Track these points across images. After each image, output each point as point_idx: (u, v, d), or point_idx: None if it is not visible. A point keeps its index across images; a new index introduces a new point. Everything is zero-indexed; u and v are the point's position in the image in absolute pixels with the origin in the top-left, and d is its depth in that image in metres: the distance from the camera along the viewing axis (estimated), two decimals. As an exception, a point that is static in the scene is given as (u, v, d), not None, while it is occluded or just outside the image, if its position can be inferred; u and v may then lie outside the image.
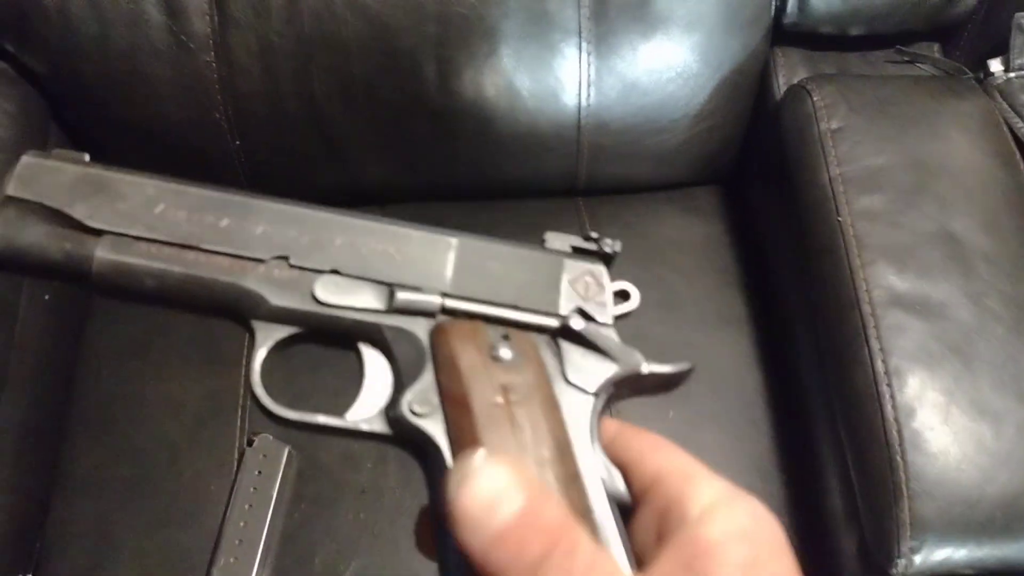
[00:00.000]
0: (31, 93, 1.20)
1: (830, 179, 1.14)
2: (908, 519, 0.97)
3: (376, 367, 0.51)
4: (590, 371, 0.50)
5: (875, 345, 1.03)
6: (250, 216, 0.50)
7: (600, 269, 0.54)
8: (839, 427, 1.07)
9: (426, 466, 0.48)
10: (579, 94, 1.25)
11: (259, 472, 1.10)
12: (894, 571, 0.99)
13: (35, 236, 0.48)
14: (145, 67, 1.17)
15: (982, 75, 1.28)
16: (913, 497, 0.97)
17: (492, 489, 0.39)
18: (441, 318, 0.50)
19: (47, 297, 1.15)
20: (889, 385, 1.01)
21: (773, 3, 1.26)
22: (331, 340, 0.51)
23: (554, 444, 0.47)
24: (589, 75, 1.23)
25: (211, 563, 1.06)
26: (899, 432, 0.99)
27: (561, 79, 1.23)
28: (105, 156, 1.29)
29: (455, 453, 0.46)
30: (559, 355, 0.51)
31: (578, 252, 0.54)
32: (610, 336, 0.52)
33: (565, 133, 1.28)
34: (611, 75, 1.24)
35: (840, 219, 1.11)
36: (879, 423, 1.00)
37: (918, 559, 0.98)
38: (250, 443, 1.12)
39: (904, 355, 1.02)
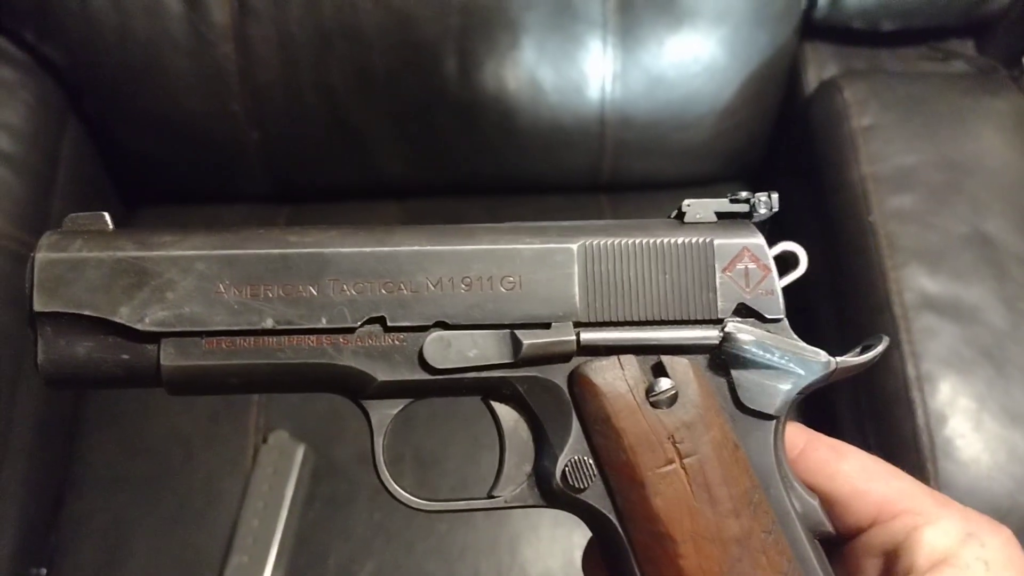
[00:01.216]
0: (51, 84, 1.19)
1: (861, 178, 1.11)
2: (937, 528, 0.94)
3: (511, 424, 0.44)
4: (767, 389, 0.42)
5: (906, 349, 1.01)
6: (323, 273, 0.42)
7: (759, 242, 0.44)
8: (868, 433, 1.04)
9: (596, 530, 0.43)
10: (603, 88, 1.22)
11: (273, 470, 1.08)
12: (922, 581, 0.96)
13: (85, 352, 0.41)
14: (164, 58, 1.16)
15: (1017, 72, 1.25)
16: (943, 506, 0.95)
17: None
18: (579, 359, 0.42)
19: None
20: (920, 390, 0.99)
21: (804, -3, 1.23)
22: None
23: (741, 495, 0.41)
24: (614, 68, 1.21)
25: (224, 561, 1.05)
26: (930, 439, 0.97)
27: (585, 72, 1.21)
28: (123, 148, 1.27)
29: (629, 531, 0.41)
30: (727, 375, 0.43)
31: (725, 220, 0.45)
32: (786, 337, 0.44)
33: (588, 128, 1.26)
34: (636, 69, 1.21)
35: (871, 219, 1.08)
36: (910, 430, 0.98)
37: (947, 570, 0.95)
38: (265, 440, 1.11)
39: (936, 360, 1.00)
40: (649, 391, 0.42)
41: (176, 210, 1.32)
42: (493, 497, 0.43)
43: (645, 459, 0.41)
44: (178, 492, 1.10)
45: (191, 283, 0.41)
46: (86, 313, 0.41)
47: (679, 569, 0.40)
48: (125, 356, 0.41)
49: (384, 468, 0.43)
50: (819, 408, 1.18)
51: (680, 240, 0.43)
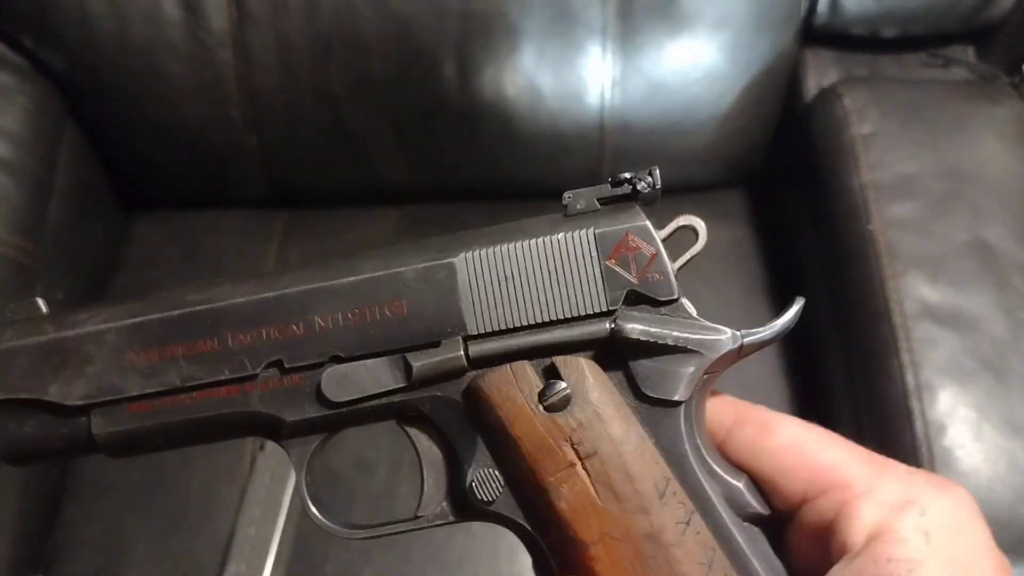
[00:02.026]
0: (49, 89, 1.19)
1: (861, 186, 1.11)
2: (937, 539, 0.94)
3: (424, 446, 0.44)
4: (668, 375, 0.40)
5: (906, 358, 1.00)
6: (219, 326, 0.43)
7: (643, 225, 0.42)
8: (866, 442, 1.03)
9: (521, 539, 0.43)
10: (602, 94, 1.22)
11: (271, 478, 1.08)
12: (921, 592, 0.96)
13: (31, 430, 0.45)
14: (162, 63, 1.16)
15: (1017, 79, 1.24)
16: (942, 516, 0.94)
17: None
18: (474, 372, 0.42)
19: (60, 296, 1.14)
20: (920, 400, 0.98)
21: (804, 3, 1.22)
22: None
23: (650, 489, 0.40)
24: (613, 74, 1.21)
25: (221, 569, 1.04)
26: (929, 449, 0.96)
27: (584, 78, 1.21)
28: (122, 153, 1.27)
29: (545, 539, 0.41)
30: (624, 367, 0.41)
31: (609, 204, 0.43)
32: (683, 318, 0.41)
33: (587, 134, 1.26)
34: (636, 75, 1.21)
35: (871, 227, 1.08)
36: (909, 440, 0.97)
37: (946, 581, 0.95)
38: (262, 448, 1.11)
39: (935, 369, 0.99)
40: (542, 395, 0.41)
41: (174, 215, 1.32)
42: (417, 518, 0.44)
43: (545, 464, 0.40)
44: (175, 499, 1.10)
45: (106, 354, 0.44)
46: (23, 396, 0.44)
47: (593, 572, 0.40)
48: (64, 430, 0.45)
49: (309, 502, 0.45)
50: (817, 417, 1.17)
51: (560, 236, 0.42)
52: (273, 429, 0.44)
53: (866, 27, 1.26)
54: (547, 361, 0.42)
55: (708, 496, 0.41)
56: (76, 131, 1.23)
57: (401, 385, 0.42)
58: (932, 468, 0.95)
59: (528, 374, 0.41)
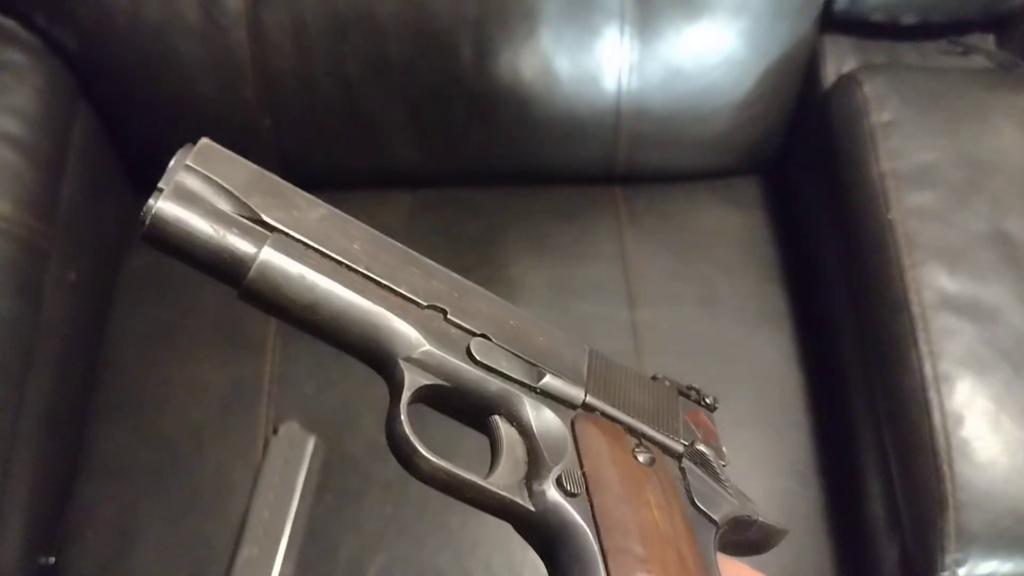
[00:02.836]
0: (61, 68, 1.18)
1: (880, 174, 1.10)
2: (953, 530, 0.94)
3: (512, 441, 0.48)
4: (714, 501, 0.49)
5: (924, 349, 1.00)
6: (412, 264, 0.48)
7: (709, 415, 0.54)
8: (883, 433, 1.03)
9: (553, 554, 0.45)
10: (619, 79, 1.21)
11: (284, 461, 1.08)
12: (937, 583, 0.96)
13: (205, 213, 0.44)
14: (176, 43, 1.15)
15: (1038, 68, 1.24)
16: (959, 508, 0.94)
17: None
18: (580, 411, 0.49)
19: (73, 277, 1.14)
20: (938, 391, 0.98)
21: (824, -12, 1.21)
22: (464, 410, 0.49)
23: (695, 561, 0.45)
24: (631, 59, 1.20)
25: (234, 553, 1.04)
26: (947, 440, 0.96)
27: (601, 63, 1.20)
28: (135, 133, 1.27)
29: (603, 541, 0.44)
30: (685, 479, 0.49)
31: (682, 395, 0.54)
32: (728, 476, 0.51)
33: (604, 119, 1.25)
34: (654, 60, 1.20)
35: (890, 217, 1.07)
36: (926, 430, 0.97)
37: (962, 572, 0.94)
38: (275, 431, 1.11)
39: (954, 360, 0.99)
40: (633, 453, 0.48)
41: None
42: (486, 481, 0.46)
43: (628, 485, 0.46)
44: (188, 482, 1.10)
45: (314, 214, 0.47)
46: (225, 184, 0.45)
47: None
48: (235, 231, 0.44)
49: (406, 414, 0.45)
50: (835, 409, 1.17)
51: (656, 383, 0.54)
52: (405, 349, 0.46)
53: (886, 14, 1.25)
54: (635, 440, 0.50)
55: None
56: (89, 111, 1.22)
57: (528, 383, 0.48)
58: (949, 459, 0.95)
59: (624, 436, 0.49)
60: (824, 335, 1.21)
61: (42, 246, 1.08)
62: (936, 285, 1.02)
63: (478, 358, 0.47)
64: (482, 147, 1.29)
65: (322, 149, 1.28)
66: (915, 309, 1.01)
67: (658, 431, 0.50)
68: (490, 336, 0.48)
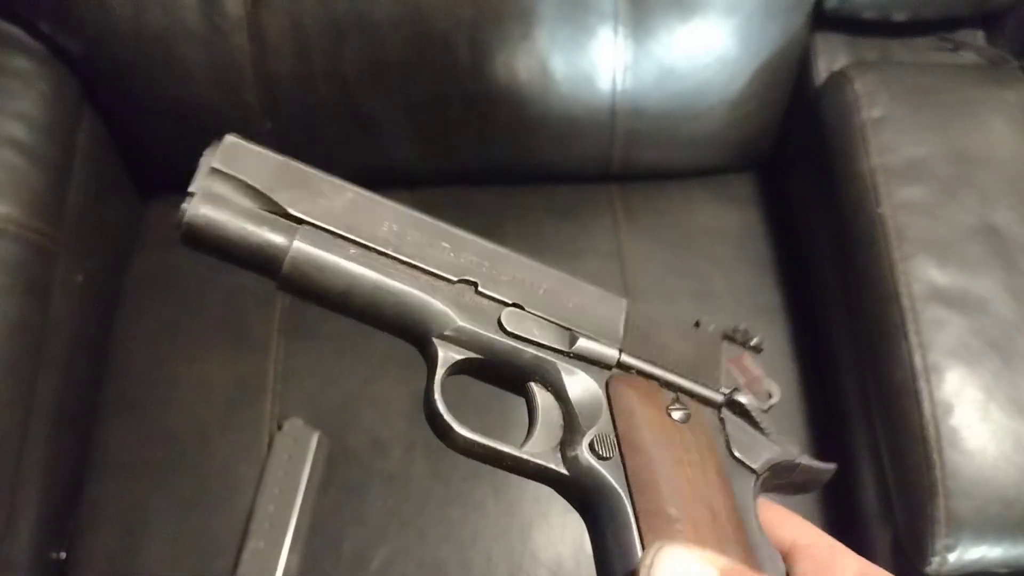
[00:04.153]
0: (66, 74, 1.20)
1: (870, 169, 1.12)
2: (943, 517, 0.96)
3: (547, 407, 0.49)
4: (754, 449, 0.49)
5: (914, 340, 1.01)
6: (440, 238, 0.49)
7: (755, 357, 0.54)
8: (874, 422, 1.05)
9: (590, 514, 0.47)
10: (614, 78, 1.23)
11: (288, 457, 1.10)
12: (928, 569, 0.97)
13: (236, 213, 0.46)
14: (179, 48, 1.17)
15: (1027, 63, 1.25)
16: (949, 495, 0.96)
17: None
18: (615, 371, 0.50)
19: (80, 279, 1.16)
20: (927, 381, 1.00)
21: (814, -13, 1.23)
22: (501, 379, 0.50)
23: (729, 515, 0.46)
24: (625, 59, 1.21)
25: (241, 547, 1.06)
26: (936, 429, 0.98)
27: (596, 63, 1.22)
28: (139, 138, 1.28)
29: (636, 502, 0.45)
30: (724, 430, 0.50)
31: (727, 339, 0.54)
32: (769, 421, 0.51)
33: (599, 118, 1.27)
34: (648, 59, 1.22)
35: (880, 211, 1.09)
36: (916, 419, 0.99)
37: (952, 557, 0.96)
38: (280, 427, 1.13)
39: (943, 351, 1.01)
40: (667, 409, 0.49)
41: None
42: (520, 450, 0.47)
43: (661, 445, 0.47)
44: (195, 478, 1.12)
45: (341, 200, 0.48)
46: (251, 183, 0.47)
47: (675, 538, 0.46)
48: (266, 228, 0.46)
49: (439, 392, 0.47)
50: (826, 399, 1.19)
51: (698, 330, 0.54)
52: (438, 327, 0.48)
53: (876, 11, 1.27)
54: (672, 395, 0.50)
55: (762, 545, 0.46)
56: (93, 116, 1.24)
57: (561, 348, 0.49)
58: (939, 447, 0.97)
59: (660, 392, 0.50)
60: (817, 328, 1.23)
61: (50, 249, 1.10)
62: (926, 277, 1.04)
63: (509, 329, 0.48)
64: (479, 147, 1.31)
65: (322, 150, 1.30)
66: (905, 301, 1.03)
67: (696, 383, 0.51)
68: (522, 305, 0.49)
